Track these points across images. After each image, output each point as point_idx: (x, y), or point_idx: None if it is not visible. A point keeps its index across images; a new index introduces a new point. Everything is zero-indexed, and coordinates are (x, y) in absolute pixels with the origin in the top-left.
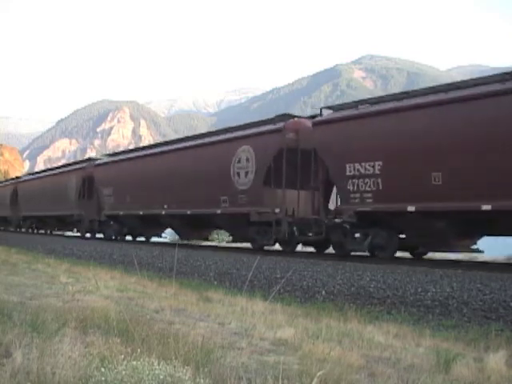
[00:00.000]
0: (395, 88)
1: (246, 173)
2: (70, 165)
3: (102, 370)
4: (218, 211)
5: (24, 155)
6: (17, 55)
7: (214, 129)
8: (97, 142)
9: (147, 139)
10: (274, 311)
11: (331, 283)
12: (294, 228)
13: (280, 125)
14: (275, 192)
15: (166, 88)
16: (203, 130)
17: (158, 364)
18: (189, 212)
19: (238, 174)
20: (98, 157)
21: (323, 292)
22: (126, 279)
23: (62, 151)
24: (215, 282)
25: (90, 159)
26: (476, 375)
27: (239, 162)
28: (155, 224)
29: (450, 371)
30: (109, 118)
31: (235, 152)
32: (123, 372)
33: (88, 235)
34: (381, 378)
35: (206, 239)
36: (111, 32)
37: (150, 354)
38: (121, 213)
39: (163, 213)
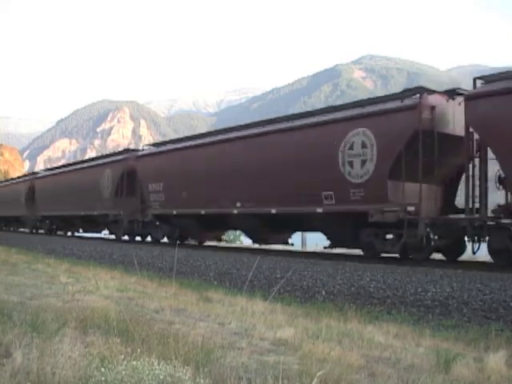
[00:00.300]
0: (395, 88)
1: (363, 162)
2: (102, 157)
3: (102, 370)
4: (319, 210)
5: (24, 155)
6: (17, 55)
7: (213, 129)
8: (97, 142)
9: (147, 139)
10: (274, 311)
11: (331, 283)
12: (428, 230)
13: (414, 100)
14: (406, 186)
15: (166, 88)
16: (203, 130)
17: (158, 364)
18: (274, 211)
19: (351, 163)
20: (140, 148)
21: (323, 292)
22: (126, 279)
23: (62, 151)
24: (215, 282)
25: (128, 150)
26: (476, 375)
27: (351, 148)
28: (220, 225)
29: (450, 371)
30: (109, 118)
31: (345, 136)
32: (123, 372)
33: (126, 238)
34: (381, 377)
35: (286, 243)
36: (111, 32)
37: (150, 354)
38: (174, 212)
39: (235, 212)
